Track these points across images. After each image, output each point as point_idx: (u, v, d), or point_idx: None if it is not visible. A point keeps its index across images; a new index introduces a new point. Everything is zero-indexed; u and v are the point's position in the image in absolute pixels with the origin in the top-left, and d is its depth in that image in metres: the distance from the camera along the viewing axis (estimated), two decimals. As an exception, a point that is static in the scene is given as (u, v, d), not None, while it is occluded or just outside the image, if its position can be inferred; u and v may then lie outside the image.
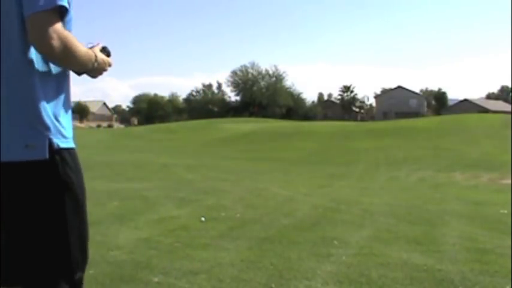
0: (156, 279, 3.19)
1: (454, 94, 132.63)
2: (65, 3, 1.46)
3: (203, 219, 5.31)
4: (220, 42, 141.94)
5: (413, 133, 26.82)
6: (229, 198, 7.22)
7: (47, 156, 1.47)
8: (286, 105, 73.85)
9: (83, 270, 1.60)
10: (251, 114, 66.31)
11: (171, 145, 28.43)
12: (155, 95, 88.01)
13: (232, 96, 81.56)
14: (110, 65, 1.73)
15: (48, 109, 1.50)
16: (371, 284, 3.20)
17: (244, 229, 4.89)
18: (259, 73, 78.77)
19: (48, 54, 1.46)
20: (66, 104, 1.61)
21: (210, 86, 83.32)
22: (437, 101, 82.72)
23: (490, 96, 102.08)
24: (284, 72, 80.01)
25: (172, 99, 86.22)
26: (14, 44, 1.48)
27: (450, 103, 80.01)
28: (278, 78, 78.23)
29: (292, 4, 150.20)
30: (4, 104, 1.48)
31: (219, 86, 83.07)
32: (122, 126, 75.68)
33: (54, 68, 1.55)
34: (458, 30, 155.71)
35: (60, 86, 1.58)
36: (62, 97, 1.59)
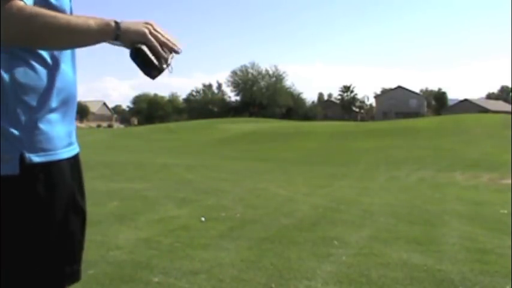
0: (156, 279, 3.19)
1: (454, 94, 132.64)
2: None
3: (203, 219, 5.31)
4: (220, 42, 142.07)
5: (413, 133, 26.82)
6: (229, 198, 7.22)
7: (17, 171, 1.32)
8: (286, 105, 73.84)
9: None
10: (251, 114, 66.30)
11: (171, 145, 28.41)
12: (155, 95, 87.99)
13: (232, 96, 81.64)
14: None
15: (23, 114, 1.32)
16: (371, 284, 3.20)
17: (244, 229, 4.89)
18: (259, 73, 78.79)
19: (14, 42, 1.25)
20: (56, 104, 1.40)
21: (210, 86, 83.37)
22: (437, 101, 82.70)
23: (490, 96, 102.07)
24: (284, 72, 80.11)
25: (172, 99, 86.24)
26: None
27: (450, 103, 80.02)
28: (278, 78, 78.25)
29: (293, 4, 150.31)
30: None
31: (219, 86, 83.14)
32: (121, 126, 75.71)
33: (36, 71, 1.34)
34: (459, 31, 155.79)
35: (41, 83, 1.36)
36: (47, 97, 1.37)
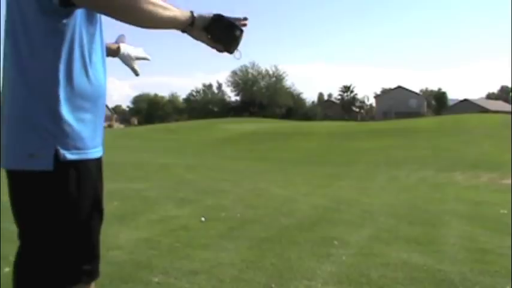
0: (156, 279, 3.19)
1: (454, 94, 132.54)
2: None
3: (203, 219, 5.30)
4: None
5: (413, 133, 26.80)
6: (229, 198, 7.21)
7: (52, 167, 1.39)
8: (286, 105, 73.83)
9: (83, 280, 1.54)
10: (251, 114, 66.25)
11: (171, 145, 28.40)
12: (155, 95, 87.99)
13: (232, 96, 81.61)
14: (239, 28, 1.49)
15: (62, 113, 1.40)
16: (371, 284, 3.20)
17: (244, 229, 4.89)
18: (259, 73, 78.74)
19: (107, 7, 1.33)
20: (90, 105, 1.48)
21: (210, 86, 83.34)
22: (437, 101, 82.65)
23: (490, 96, 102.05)
24: (284, 72, 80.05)
25: (172, 99, 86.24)
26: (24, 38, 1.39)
27: (450, 103, 79.98)
28: (278, 78, 78.22)
29: (293, 4, 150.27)
30: (8, 107, 1.44)
31: (219, 86, 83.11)
32: (122, 126, 75.66)
33: (75, 72, 1.42)
34: (459, 31, 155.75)
35: (84, 87, 1.45)
36: (84, 99, 1.46)
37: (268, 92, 75.51)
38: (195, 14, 1.45)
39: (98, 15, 1.46)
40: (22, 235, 1.52)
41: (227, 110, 73.44)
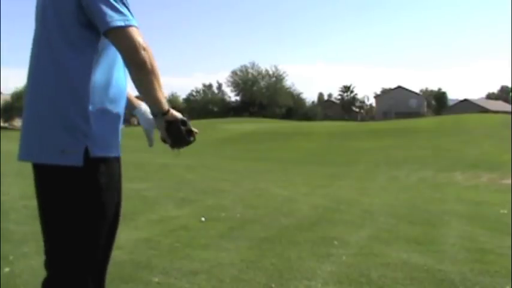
0: (156, 279, 3.19)
1: (454, 94, 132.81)
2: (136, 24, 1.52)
3: (203, 219, 5.30)
4: (220, 42, 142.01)
5: (413, 133, 26.81)
6: (229, 198, 7.21)
7: (82, 163, 1.50)
8: (286, 105, 73.75)
9: (97, 276, 1.67)
10: (251, 114, 66.22)
11: (171, 145, 28.35)
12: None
13: (232, 96, 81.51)
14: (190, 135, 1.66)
15: (92, 112, 1.52)
16: (371, 284, 3.20)
17: (244, 229, 4.89)
18: (259, 73, 78.64)
19: (138, 66, 1.48)
20: (114, 107, 1.61)
21: (210, 86, 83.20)
22: (437, 101, 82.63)
23: (490, 96, 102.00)
24: (284, 72, 79.89)
25: (172, 99, 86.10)
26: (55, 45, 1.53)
27: (450, 103, 79.95)
28: (278, 78, 78.12)
29: (293, 4, 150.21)
30: (37, 105, 1.54)
31: (219, 86, 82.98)
32: (122, 126, 75.64)
33: (101, 76, 1.56)
34: (459, 31, 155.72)
35: (108, 90, 1.58)
36: (111, 100, 1.59)
37: (268, 92, 75.43)
38: (171, 111, 1.61)
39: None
40: (46, 226, 1.62)
41: (227, 110, 73.37)
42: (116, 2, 1.50)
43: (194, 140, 1.66)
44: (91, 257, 1.60)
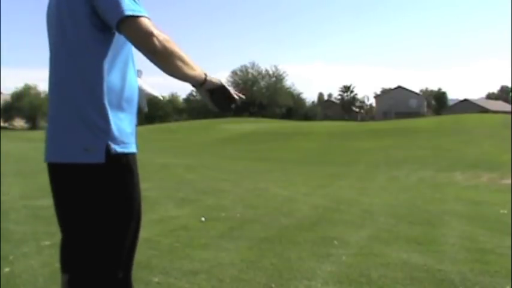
0: (156, 279, 3.19)
1: (454, 94, 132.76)
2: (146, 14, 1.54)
3: (203, 219, 5.31)
4: (220, 42, 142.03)
5: (413, 133, 26.79)
6: (229, 198, 7.21)
7: (104, 160, 1.55)
8: (286, 105, 73.72)
9: (127, 269, 1.74)
10: (251, 114, 66.20)
11: (171, 145, 28.39)
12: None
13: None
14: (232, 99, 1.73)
15: (110, 115, 1.58)
16: (371, 284, 3.20)
17: (244, 229, 4.89)
18: (259, 73, 78.62)
19: (153, 53, 1.50)
20: (127, 105, 1.66)
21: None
22: (437, 101, 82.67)
23: (490, 96, 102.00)
24: (284, 72, 79.85)
25: (172, 99, 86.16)
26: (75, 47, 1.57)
27: (450, 103, 79.98)
28: (278, 78, 78.09)
29: (293, 4, 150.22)
30: (58, 106, 1.60)
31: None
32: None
33: (116, 76, 1.61)
34: (459, 31, 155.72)
35: (122, 89, 1.64)
36: (125, 98, 1.64)
37: (268, 92, 75.40)
38: (208, 77, 1.67)
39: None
40: (68, 224, 1.65)
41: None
42: None
43: (236, 104, 1.73)
44: (121, 252, 1.67)
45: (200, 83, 1.65)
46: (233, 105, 1.73)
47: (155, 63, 1.54)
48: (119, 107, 1.61)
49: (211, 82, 1.67)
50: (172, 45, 1.53)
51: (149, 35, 1.49)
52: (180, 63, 1.56)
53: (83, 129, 1.55)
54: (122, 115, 1.62)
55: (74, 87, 1.58)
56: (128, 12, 1.48)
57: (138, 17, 1.49)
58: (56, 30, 1.63)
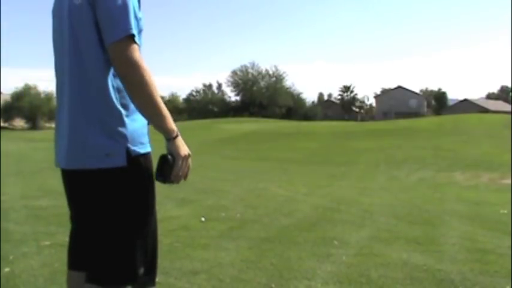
0: (156, 279, 3.18)
1: (454, 94, 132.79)
2: (135, 32, 1.56)
3: (203, 219, 5.31)
4: (220, 42, 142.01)
5: (413, 133, 26.78)
6: (229, 198, 7.22)
7: (126, 163, 1.60)
8: (286, 105, 73.68)
9: (149, 270, 1.75)
10: (251, 114, 66.16)
11: (171, 145, 28.33)
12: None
13: (232, 96, 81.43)
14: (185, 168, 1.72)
15: (125, 119, 1.62)
16: (371, 284, 3.20)
17: (244, 229, 4.89)
18: (259, 73, 78.57)
19: (126, 80, 1.55)
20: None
21: (210, 86, 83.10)
22: (437, 101, 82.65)
23: (490, 96, 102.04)
24: (284, 72, 79.94)
25: (172, 99, 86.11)
26: (91, 58, 1.60)
27: (450, 103, 79.96)
28: (278, 78, 78.04)
29: (292, 4, 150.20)
30: (85, 115, 1.62)
31: (219, 86, 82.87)
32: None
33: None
34: (459, 31, 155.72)
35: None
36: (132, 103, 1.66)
37: (268, 92, 75.36)
38: (179, 137, 1.67)
39: (142, 31, 1.67)
40: (89, 225, 1.68)
41: (227, 110, 73.30)
42: (121, 11, 1.55)
43: (169, 183, 1.67)
44: (142, 249, 1.69)
45: (173, 136, 1.64)
46: (166, 182, 1.66)
47: (134, 95, 1.57)
48: (131, 109, 1.64)
49: (180, 145, 1.67)
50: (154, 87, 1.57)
51: (137, 66, 1.52)
52: (158, 105, 1.59)
53: (102, 135, 1.59)
54: (136, 116, 1.66)
55: (87, 92, 1.60)
56: (115, 38, 1.53)
57: (122, 41, 1.52)
58: (67, 35, 1.65)
